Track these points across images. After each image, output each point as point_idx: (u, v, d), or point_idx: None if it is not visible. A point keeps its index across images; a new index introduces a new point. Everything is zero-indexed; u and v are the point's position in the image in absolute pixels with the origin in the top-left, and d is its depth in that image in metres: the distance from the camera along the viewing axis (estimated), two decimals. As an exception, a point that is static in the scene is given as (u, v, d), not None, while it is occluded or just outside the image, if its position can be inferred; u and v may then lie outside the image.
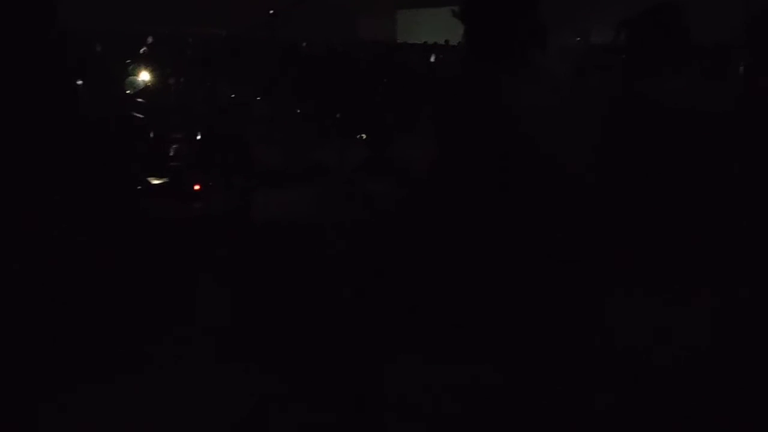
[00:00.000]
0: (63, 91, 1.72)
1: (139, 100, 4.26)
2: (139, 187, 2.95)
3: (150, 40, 8.86)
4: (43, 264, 1.66)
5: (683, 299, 1.64)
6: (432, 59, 8.57)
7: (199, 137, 3.69)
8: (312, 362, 1.96)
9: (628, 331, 1.59)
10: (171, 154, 3.55)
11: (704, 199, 1.83)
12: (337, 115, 4.07)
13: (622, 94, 2.05)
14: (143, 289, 2.18)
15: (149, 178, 3.17)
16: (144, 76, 5.02)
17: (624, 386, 1.56)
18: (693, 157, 1.85)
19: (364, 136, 3.47)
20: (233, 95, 4.89)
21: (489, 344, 1.51)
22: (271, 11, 6.03)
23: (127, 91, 4.67)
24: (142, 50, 8.01)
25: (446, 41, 11.96)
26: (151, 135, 3.65)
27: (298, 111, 4.26)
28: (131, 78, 4.93)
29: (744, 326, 1.67)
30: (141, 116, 3.64)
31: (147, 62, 5.61)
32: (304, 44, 9.27)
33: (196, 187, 3.09)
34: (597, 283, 1.58)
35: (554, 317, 1.51)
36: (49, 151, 1.62)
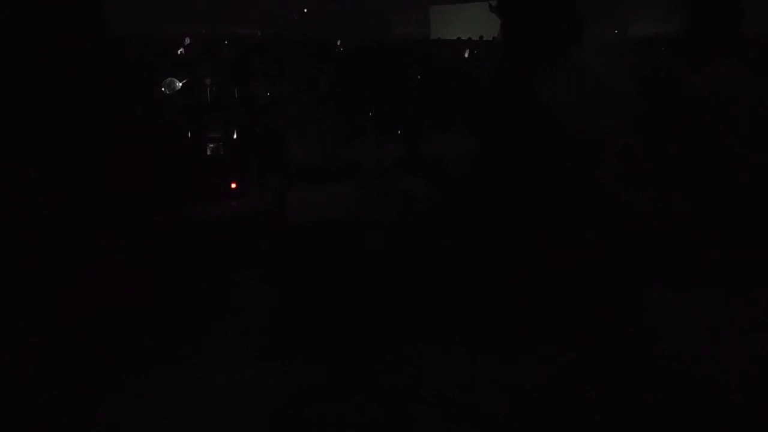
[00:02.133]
0: (115, 93, 1.75)
1: (178, 100, 4.32)
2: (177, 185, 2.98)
3: (187, 41, 8.99)
4: (88, 261, 1.69)
5: (743, 299, 1.60)
6: (467, 55, 8.50)
7: (235, 136, 3.72)
8: (352, 357, 1.96)
9: (679, 331, 1.55)
10: (208, 153, 3.59)
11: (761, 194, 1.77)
12: (371, 113, 4.06)
13: (666, 86, 2.00)
14: (182, 287, 2.21)
15: (186, 177, 3.20)
16: (181, 76, 5.08)
17: (670, 388, 1.52)
18: (747, 150, 1.79)
19: (399, 132, 3.46)
20: (269, 94, 4.93)
21: (532, 341, 1.49)
22: (305, 10, 6.05)
23: (163, 90, 4.74)
24: (179, 51, 8.13)
25: (480, 37, 11.86)
26: (189, 134, 3.70)
27: (333, 109, 4.27)
28: (169, 79, 5.00)
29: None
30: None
31: (184, 63, 5.69)
32: (338, 42, 9.30)
33: (233, 186, 3.12)
34: (644, 281, 1.55)
35: (599, 314, 1.48)
36: (95, 151, 1.65)
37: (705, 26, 1.95)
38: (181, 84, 4.77)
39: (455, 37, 11.82)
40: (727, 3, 1.94)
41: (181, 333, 2.09)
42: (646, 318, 1.60)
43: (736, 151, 1.80)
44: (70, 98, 1.64)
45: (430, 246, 1.80)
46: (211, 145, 3.60)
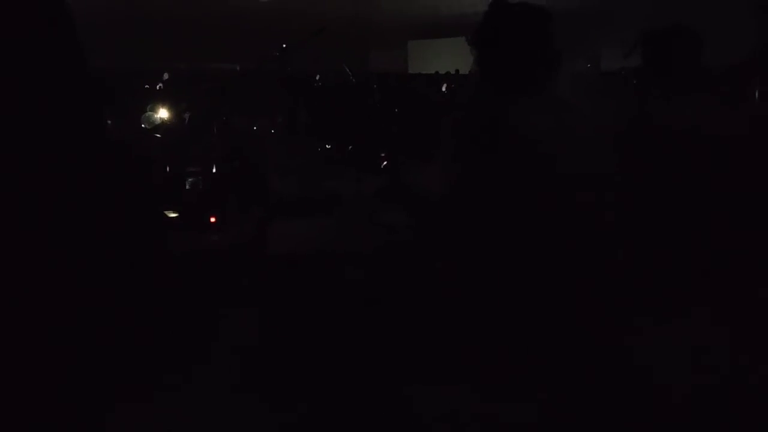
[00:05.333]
0: (91, 128, 1.74)
1: (157, 135, 4.32)
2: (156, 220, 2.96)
3: (166, 76, 9.02)
4: (65, 297, 1.66)
5: (703, 321, 1.62)
6: (444, 88, 8.65)
7: (214, 169, 3.72)
8: (332, 391, 1.94)
9: (667, 361, 1.56)
10: (187, 187, 3.58)
11: (720, 224, 1.81)
12: (351, 147, 4.09)
13: (637, 119, 2.05)
14: (161, 321, 2.18)
15: (165, 211, 3.19)
16: (161, 111, 5.10)
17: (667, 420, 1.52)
18: (710, 182, 1.83)
19: (379, 165, 3.49)
20: (248, 128, 4.94)
21: (516, 377, 1.48)
22: (284, 45, 6.12)
23: (143, 126, 4.74)
24: (158, 86, 8.15)
25: (457, 71, 12.08)
26: (167, 168, 3.69)
27: (313, 142, 4.30)
28: (148, 114, 5.01)
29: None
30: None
31: (163, 97, 5.70)
32: (318, 77, 9.39)
33: (212, 219, 3.10)
34: (627, 311, 1.56)
35: (584, 347, 1.48)
36: (74, 185, 1.64)
37: (663, 62, 2.03)
38: (160, 118, 4.77)
39: (433, 71, 12.01)
40: (683, 40, 2.02)
41: (159, 368, 2.05)
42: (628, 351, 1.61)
43: (701, 179, 1.84)
44: (45, 129, 1.63)
45: (413, 278, 1.81)
46: (190, 179, 3.59)
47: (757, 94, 2.08)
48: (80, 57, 1.69)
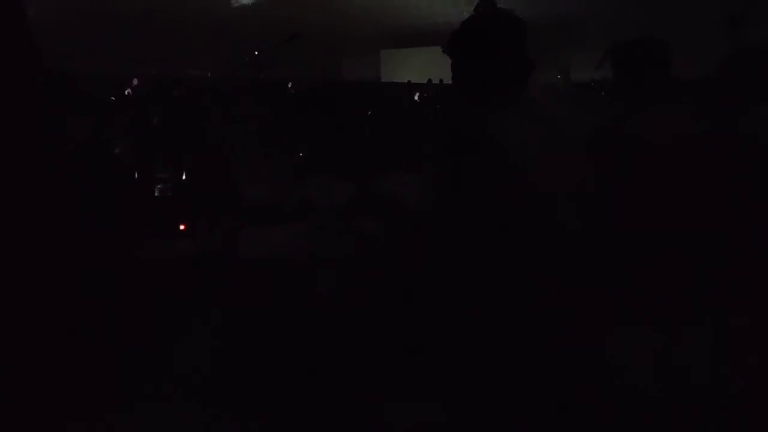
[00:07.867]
0: (48, 135, 1.70)
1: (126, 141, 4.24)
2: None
3: (135, 81, 8.93)
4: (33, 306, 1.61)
5: (682, 332, 1.63)
6: (416, 97, 8.71)
7: (184, 176, 3.66)
8: (303, 407, 1.92)
9: (632, 370, 1.57)
10: (156, 194, 3.51)
11: (690, 230, 1.84)
12: (323, 153, 4.06)
13: (608, 129, 2.08)
14: (128, 331, 2.13)
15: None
16: (129, 116, 5.03)
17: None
18: (678, 192, 1.85)
19: (351, 173, 3.47)
20: (219, 134, 4.89)
21: (486, 387, 1.48)
22: (256, 52, 6.11)
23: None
24: (127, 92, 8.05)
25: (429, 80, 12.18)
26: (136, 175, 3.62)
27: (284, 149, 4.27)
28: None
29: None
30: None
31: (132, 103, 5.64)
32: (290, 84, 9.39)
33: (182, 227, 3.05)
34: (597, 326, 1.56)
35: (551, 364, 1.48)
36: (32, 192, 1.60)
37: (632, 73, 2.07)
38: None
39: (406, 80, 12.07)
40: (653, 52, 2.06)
41: (127, 377, 2.01)
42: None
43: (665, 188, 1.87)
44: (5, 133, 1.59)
45: (386, 287, 1.79)
46: (159, 186, 3.52)
47: (724, 106, 2.12)
48: (35, 59, 1.64)
